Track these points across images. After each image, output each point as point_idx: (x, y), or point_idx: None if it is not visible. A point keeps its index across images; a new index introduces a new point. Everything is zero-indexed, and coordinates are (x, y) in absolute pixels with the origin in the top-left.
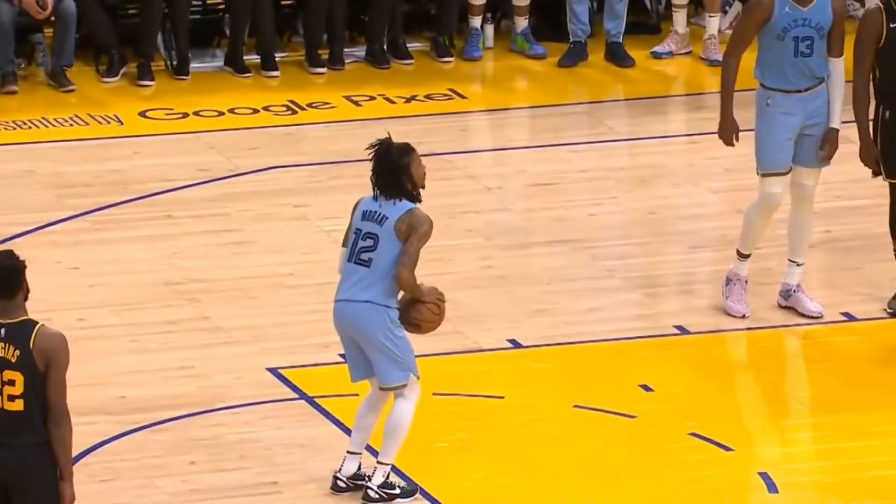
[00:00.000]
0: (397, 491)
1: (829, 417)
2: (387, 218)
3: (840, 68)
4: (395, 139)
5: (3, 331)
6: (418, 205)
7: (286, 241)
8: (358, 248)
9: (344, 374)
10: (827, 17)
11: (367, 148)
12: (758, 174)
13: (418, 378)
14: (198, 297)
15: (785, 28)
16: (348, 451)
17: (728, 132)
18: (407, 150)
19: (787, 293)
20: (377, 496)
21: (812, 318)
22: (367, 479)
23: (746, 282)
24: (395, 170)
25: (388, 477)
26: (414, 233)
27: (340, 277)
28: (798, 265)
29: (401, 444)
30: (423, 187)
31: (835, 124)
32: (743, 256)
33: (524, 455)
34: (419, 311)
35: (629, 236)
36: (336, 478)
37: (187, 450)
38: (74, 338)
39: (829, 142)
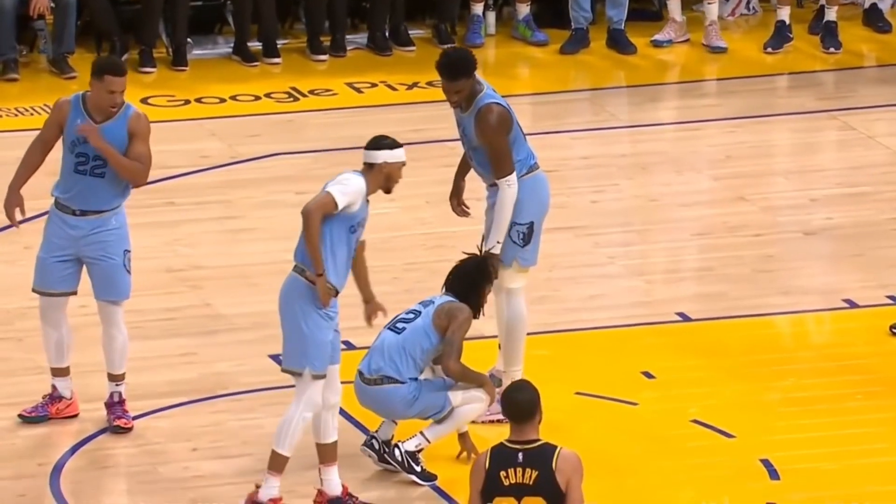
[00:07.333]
0: (418, 469)
1: (830, 404)
2: (432, 302)
3: None
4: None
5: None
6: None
7: (288, 228)
8: (397, 318)
9: (345, 361)
10: None
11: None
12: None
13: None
14: (199, 284)
15: None
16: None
17: None
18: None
19: None
20: (400, 459)
21: None
22: (399, 442)
23: None
24: (474, 283)
25: (419, 450)
26: (453, 321)
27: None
28: None
29: (449, 433)
30: (483, 306)
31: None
32: None
33: None
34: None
35: (631, 223)
36: (372, 436)
37: (189, 436)
38: (76, 325)
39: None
